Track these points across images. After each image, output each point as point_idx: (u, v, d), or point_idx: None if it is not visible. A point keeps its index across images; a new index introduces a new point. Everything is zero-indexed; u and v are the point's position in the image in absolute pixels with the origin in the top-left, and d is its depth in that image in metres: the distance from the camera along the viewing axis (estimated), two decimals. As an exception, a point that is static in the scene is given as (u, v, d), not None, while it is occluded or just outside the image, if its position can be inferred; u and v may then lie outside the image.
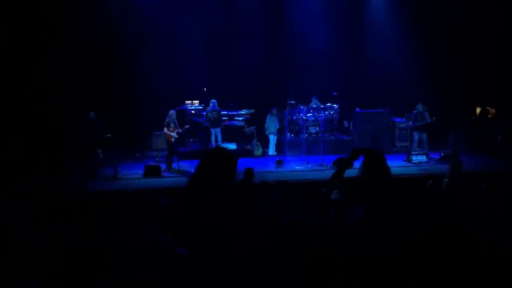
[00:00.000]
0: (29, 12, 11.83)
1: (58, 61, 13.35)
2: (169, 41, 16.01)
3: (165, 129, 12.86)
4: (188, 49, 16.10)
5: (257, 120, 15.54)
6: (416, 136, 13.78)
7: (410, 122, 14.19)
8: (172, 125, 12.83)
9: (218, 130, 15.15)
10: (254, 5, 16.53)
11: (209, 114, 15.05)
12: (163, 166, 12.63)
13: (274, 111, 15.05)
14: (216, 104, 15.13)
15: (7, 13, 11.29)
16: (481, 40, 15.87)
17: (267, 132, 15.11)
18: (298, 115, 15.30)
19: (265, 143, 15.22)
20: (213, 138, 15.17)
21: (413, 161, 13.32)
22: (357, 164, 3.75)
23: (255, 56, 16.29)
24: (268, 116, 15.11)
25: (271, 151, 15.06)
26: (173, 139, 12.76)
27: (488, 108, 16.21)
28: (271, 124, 15.00)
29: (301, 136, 15.01)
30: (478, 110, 16.37)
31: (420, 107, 13.81)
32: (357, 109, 15.54)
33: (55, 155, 11.73)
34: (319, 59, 16.74)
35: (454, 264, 3.15)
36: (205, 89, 15.77)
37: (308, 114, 15.29)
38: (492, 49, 15.70)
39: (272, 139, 15.05)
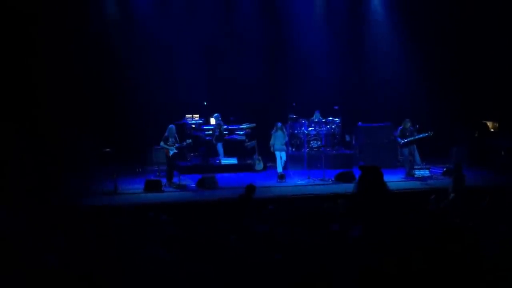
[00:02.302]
0: (28, 27, 11.74)
1: (56, 74, 13.31)
2: (169, 54, 16.00)
3: (162, 143, 12.69)
4: (188, 63, 16.10)
5: (258, 134, 15.46)
6: (406, 151, 13.56)
7: (399, 139, 13.63)
8: (171, 139, 12.67)
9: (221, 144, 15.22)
10: (254, 18, 16.46)
11: (222, 128, 15.06)
12: (163, 181, 12.54)
13: (280, 125, 14.20)
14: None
15: (6, 21, 11.21)
16: (485, 53, 15.78)
17: (272, 149, 14.09)
18: (300, 129, 15.20)
19: (265, 157, 15.10)
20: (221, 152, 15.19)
21: (415, 176, 13.20)
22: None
23: (256, 70, 16.23)
24: (272, 132, 14.22)
25: (279, 168, 14.02)
26: (170, 154, 12.61)
27: (487, 123, 16.07)
28: (277, 140, 14.11)
29: (303, 150, 14.92)
30: (480, 124, 16.22)
31: (407, 123, 13.54)
32: (359, 123, 15.44)
33: (52, 167, 11.65)
34: (321, 73, 16.65)
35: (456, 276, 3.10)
36: (205, 103, 15.72)
37: (310, 128, 15.17)
38: (496, 63, 15.60)
39: (278, 155, 14.07)
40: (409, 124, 13.39)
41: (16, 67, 11.57)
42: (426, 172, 13.32)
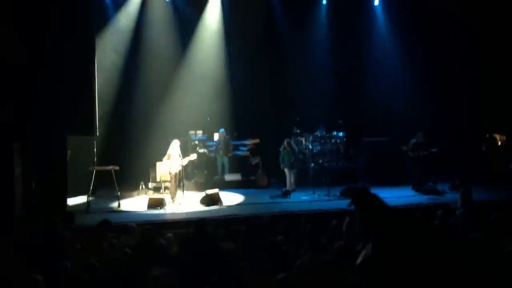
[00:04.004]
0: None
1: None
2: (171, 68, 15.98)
3: (165, 159, 12.56)
4: (191, 78, 16.09)
5: (262, 150, 15.37)
6: (414, 165, 13.43)
7: (409, 153, 13.51)
8: (173, 155, 12.49)
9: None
10: (256, 33, 16.43)
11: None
12: (167, 198, 12.40)
13: (287, 142, 13.90)
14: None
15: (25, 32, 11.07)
16: (490, 65, 15.70)
17: (282, 166, 13.91)
18: (304, 144, 15.07)
19: (270, 173, 14.99)
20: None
21: (422, 190, 13.05)
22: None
23: (259, 85, 16.19)
24: (281, 149, 13.89)
25: (288, 184, 13.83)
26: (175, 170, 12.47)
27: (495, 135, 15.91)
28: (286, 157, 13.79)
29: (307, 165, 14.76)
30: (488, 137, 16.06)
31: (420, 136, 13.46)
32: (365, 138, 15.32)
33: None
34: (324, 87, 16.60)
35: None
36: (208, 118, 15.66)
37: (314, 143, 15.03)
38: (504, 74, 15.47)
39: (287, 172, 13.86)
40: (421, 138, 13.33)
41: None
42: (433, 187, 13.19)
